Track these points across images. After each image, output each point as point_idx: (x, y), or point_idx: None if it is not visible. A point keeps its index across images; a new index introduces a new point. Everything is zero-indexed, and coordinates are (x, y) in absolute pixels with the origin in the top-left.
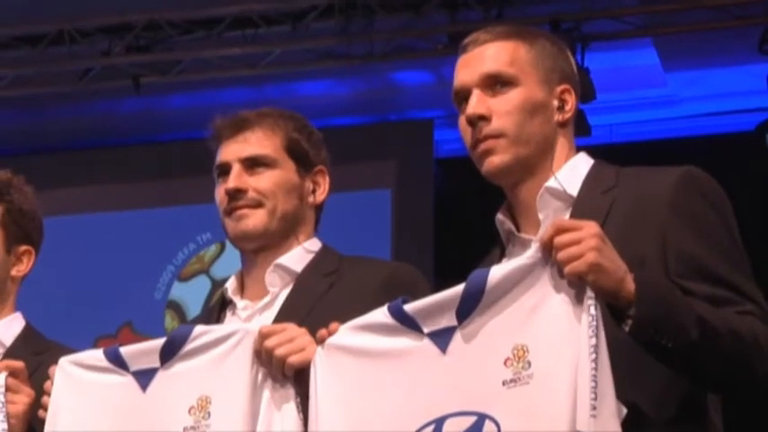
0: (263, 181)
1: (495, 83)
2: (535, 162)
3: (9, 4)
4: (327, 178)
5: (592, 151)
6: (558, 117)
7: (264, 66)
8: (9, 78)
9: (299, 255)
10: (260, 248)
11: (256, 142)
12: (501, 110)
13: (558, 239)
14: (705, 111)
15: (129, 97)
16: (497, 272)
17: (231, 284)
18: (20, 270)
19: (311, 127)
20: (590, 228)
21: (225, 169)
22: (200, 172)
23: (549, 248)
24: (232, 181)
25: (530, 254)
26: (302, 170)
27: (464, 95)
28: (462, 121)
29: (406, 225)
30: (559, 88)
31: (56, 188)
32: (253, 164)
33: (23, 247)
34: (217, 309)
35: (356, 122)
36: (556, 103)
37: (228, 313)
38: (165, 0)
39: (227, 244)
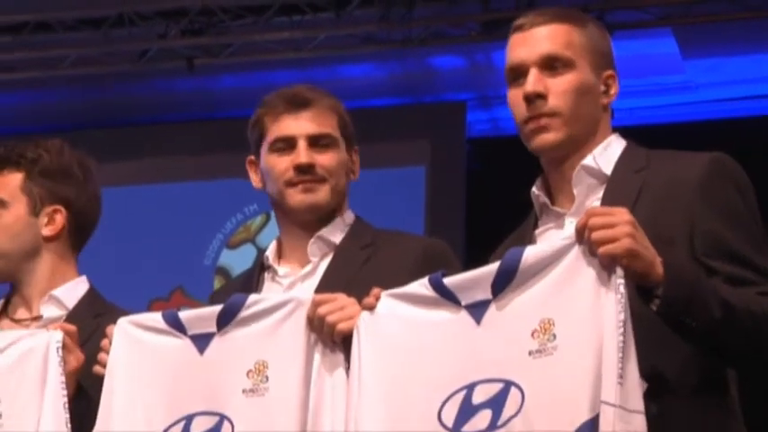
0: (329, 159)
1: (553, 63)
2: (582, 141)
3: None
4: (357, 153)
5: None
6: (603, 100)
7: (310, 49)
8: (72, 58)
9: (337, 227)
10: (313, 221)
11: (321, 121)
12: (557, 90)
13: (593, 221)
14: (721, 96)
15: (184, 77)
16: (531, 252)
17: (271, 251)
18: (51, 230)
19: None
20: (623, 214)
21: (289, 143)
22: (248, 148)
23: (582, 232)
24: (303, 156)
25: (564, 237)
26: (349, 149)
27: (521, 72)
28: (515, 95)
29: (439, 200)
30: (606, 73)
31: (114, 161)
32: (318, 141)
33: (51, 207)
34: (256, 273)
35: (394, 103)
36: (602, 87)
37: (268, 278)
38: None
39: (273, 215)
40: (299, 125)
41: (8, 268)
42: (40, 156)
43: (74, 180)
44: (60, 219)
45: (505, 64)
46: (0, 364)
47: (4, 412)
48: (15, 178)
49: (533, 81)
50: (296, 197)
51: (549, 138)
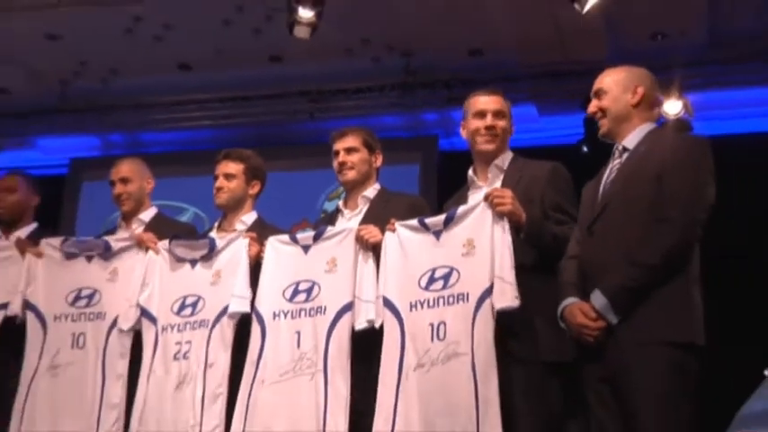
0: (353, 158)
1: (498, 113)
2: (500, 152)
3: (258, 81)
4: (381, 156)
5: None
6: (508, 136)
7: (365, 109)
8: (251, 113)
9: (372, 190)
10: (352, 188)
11: (350, 141)
12: (499, 127)
13: (494, 193)
14: (558, 134)
15: (308, 122)
16: (462, 208)
17: (341, 203)
18: (253, 191)
19: (373, 133)
20: (509, 192)
21: (338, 154)
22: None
23: (488, 198)
24: (341, 158)
25: (478, 199)
26: (370, 152)
27: (483, 114)
28: (476, 123)
29: (424, 181)
30: (510, 122)
31: (275, 160)
32: (349, 150)
33: (254, 182)
34: (334, 213)
35: (405, 135)
36: (508, 129)
37: (339, 216)
38: (322, 80)
39: None
40: (340, 144)
41: (230, 205)
42: (249, 156)
43: (262, 168)
44: (258, 187)
45: (472, 108)
46: (222, 257)
47: (222, 280)
48: (240, 166)
49: (490, 119)
50: (340, 178)
51: (491, 147)
